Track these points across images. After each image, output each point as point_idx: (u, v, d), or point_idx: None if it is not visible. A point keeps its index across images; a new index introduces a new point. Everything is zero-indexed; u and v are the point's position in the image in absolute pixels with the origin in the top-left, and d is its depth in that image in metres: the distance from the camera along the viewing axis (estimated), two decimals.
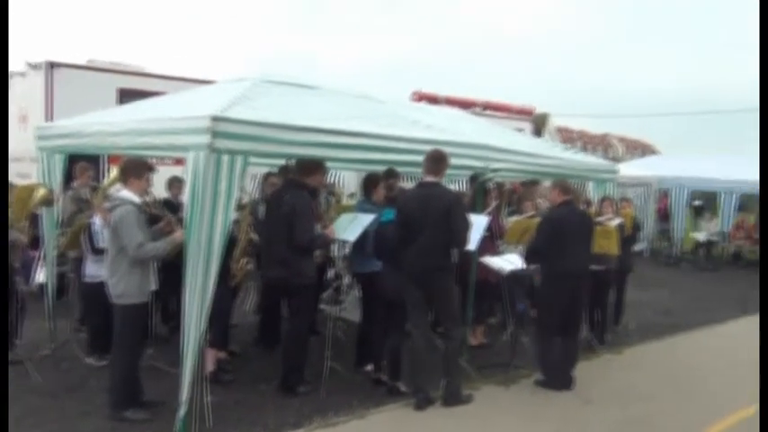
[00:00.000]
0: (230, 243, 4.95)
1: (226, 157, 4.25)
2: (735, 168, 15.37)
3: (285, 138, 4.65)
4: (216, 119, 4.18)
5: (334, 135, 4.97)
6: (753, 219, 16.55)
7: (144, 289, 4.73)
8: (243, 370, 5.82)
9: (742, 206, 16.19)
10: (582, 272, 5.90)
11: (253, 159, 4.77)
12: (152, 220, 5.04)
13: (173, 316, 6.73)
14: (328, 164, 5.97)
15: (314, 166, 5.35)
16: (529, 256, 6.07)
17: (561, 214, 5.93)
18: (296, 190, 5.28)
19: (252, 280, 7.36)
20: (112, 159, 7.98)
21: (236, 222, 5.48)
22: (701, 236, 15.58)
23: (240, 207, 5.97)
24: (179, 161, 7.27)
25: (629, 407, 5.49)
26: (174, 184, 6.84)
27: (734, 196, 15.38)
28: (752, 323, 9.23)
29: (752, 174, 15.09)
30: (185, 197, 4.53)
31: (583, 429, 4.99)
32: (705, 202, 19.00)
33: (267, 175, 6.68)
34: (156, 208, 5.24)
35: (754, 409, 5.52)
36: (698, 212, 18.13)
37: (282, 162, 6.44)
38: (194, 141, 4.27)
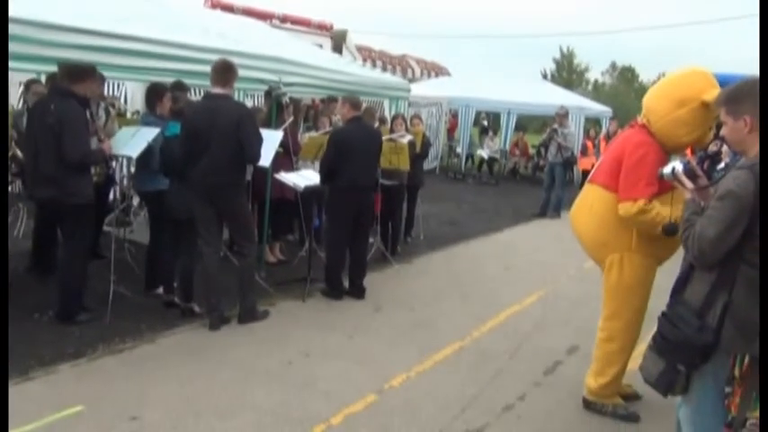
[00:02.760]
0: None
1: None
2: (515, 90, 16.70)
3: (48, 39, 4.10)
4: None
5: (109, 38, 4.48)
6: (527, 137, 18.29)
7: None
8: (13, 301, 5.18)
9: (519, 126, 17.75)
10: (367, 185, 6.09)
11: (12, 64, 4.12)
12: None
13: None
14: (106, 73, 5.39)
15: (84, 73, 4.69)
16: (323, 176, 6.09)
17: (348, 130, 6.08)
18: (63, 99, 4.63)
19: (21, 202, 6.62)
20: None
21: None
22: (484, 153, 16.92)
23: None
24: None
25: (416, 311, 5.90)
26: None
27: (512, 116, 16.77)
28: (523, 230, 10.40)
29: (528, 96, 16.60)
30: None
31: (374, 334, 5.27)
32: (490, 122, 20.60)
33: (30, 83, 5.87)
34: None
35: (520, 305, 6.27)
36: (483, 131, 19.64)
37: (50, 68, 5.70)
38: None
